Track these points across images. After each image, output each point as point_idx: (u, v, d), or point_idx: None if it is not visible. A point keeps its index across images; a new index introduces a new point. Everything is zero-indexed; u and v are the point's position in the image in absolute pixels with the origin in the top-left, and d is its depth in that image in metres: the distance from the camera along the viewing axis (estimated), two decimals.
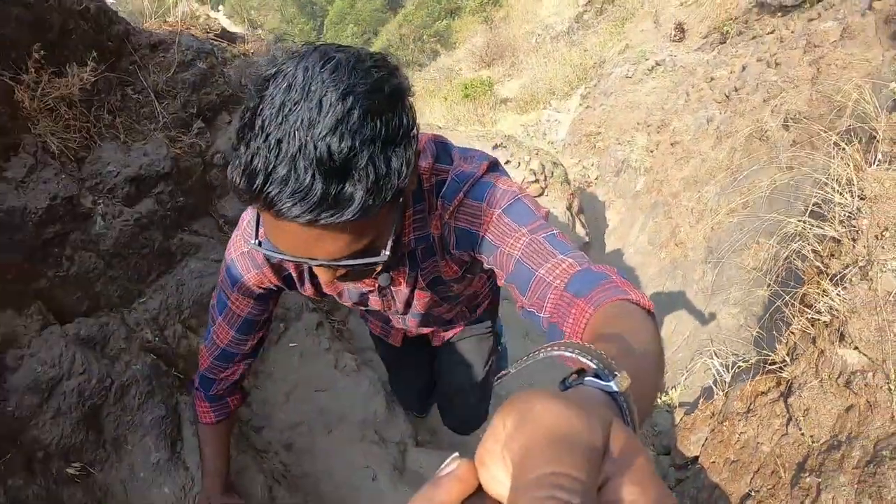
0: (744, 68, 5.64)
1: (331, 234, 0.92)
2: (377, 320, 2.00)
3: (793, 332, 1.70)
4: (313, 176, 0.84)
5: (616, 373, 0.55)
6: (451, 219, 1.24)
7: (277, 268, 1.38)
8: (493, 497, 0.42)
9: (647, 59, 7.86)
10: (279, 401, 2.35)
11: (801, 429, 1.54)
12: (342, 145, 0.85)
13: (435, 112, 12.89)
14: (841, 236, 1.66)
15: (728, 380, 1.97)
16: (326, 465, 2.23)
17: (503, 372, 0.75)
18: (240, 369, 1.65)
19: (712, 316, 2.70)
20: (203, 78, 2.52)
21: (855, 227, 1.61)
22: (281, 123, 0.85)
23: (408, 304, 1.59)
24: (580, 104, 8.49)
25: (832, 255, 1.66)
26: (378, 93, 0.89)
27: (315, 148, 0.84)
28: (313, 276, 1.44)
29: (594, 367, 0.57)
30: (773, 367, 1.74)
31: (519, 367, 0.70)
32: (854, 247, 1.57)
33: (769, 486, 1.58)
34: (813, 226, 1.83)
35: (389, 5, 51.38)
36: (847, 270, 1.54)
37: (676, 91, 6.70)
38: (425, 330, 1.96)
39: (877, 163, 1.72)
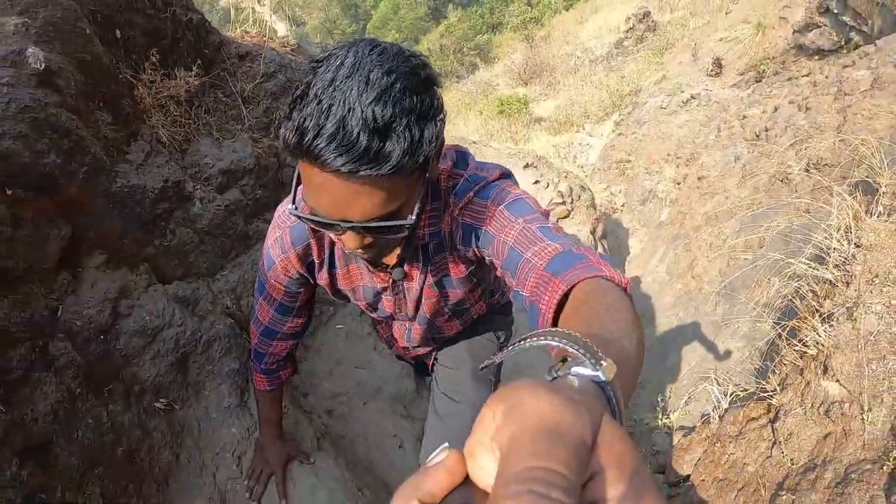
0: (776, 109, 5.73)
1: (367, 190, 1.03)
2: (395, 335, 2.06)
3: (784, 364, 1.87)
4: (359, 133, 0.97)
5: (602, 361, 0.57)
6: (460, 215, 1.36)
7: (302, 254, 1.52)
8: (480, 487, 0.43)
9: (682, 92, 7.98)
10: (324, 373, 2.74)
11: (783, 451, 1.70)
12: (385, 111, 0.98)
13: (469, 125, 13.05)
14: (836, 280, 1.82)
15: (725, 405, 2.13)
16: (361, 431, 2.54)
17: (489, 361, 0.83)
18: (286, 347, 1.83)
19: (720, 347, 2.85)
20: (282, 88, 2.96)
21: (849, 272, 1.78)
22: (333, 92, 0.98)
23: (416, 306, 1.68)
24: (613, 130, 8.63)
25: (826, 297, 1.82)
26: (415, 76, 1.04)
27: (362, 111, 0.97)
28: (332, 266, 1.57)
29: (581, 355, 0.59)
30: (766, 394, 1.90)
31: (505, 355, 0.73)
32: (846, 290, 1.73)
33: (751, 503, 1.74)
34: (812, 268, 2.00)
35: (433, 15, 51.75)
36: (836, 310, 1.70)
37: (708, 126, 6.82)
38: (422, 350, 2.04)
39: (877, 214, 1.88)
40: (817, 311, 1.82)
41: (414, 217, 1.13)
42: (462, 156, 1.46)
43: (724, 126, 6.42)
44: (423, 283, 1.57)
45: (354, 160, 0.98)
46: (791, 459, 1.66)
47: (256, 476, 2.05)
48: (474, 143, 7.11)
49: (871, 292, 1.63)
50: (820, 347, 1.68)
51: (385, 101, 1.00)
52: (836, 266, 1.87)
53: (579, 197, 5.92)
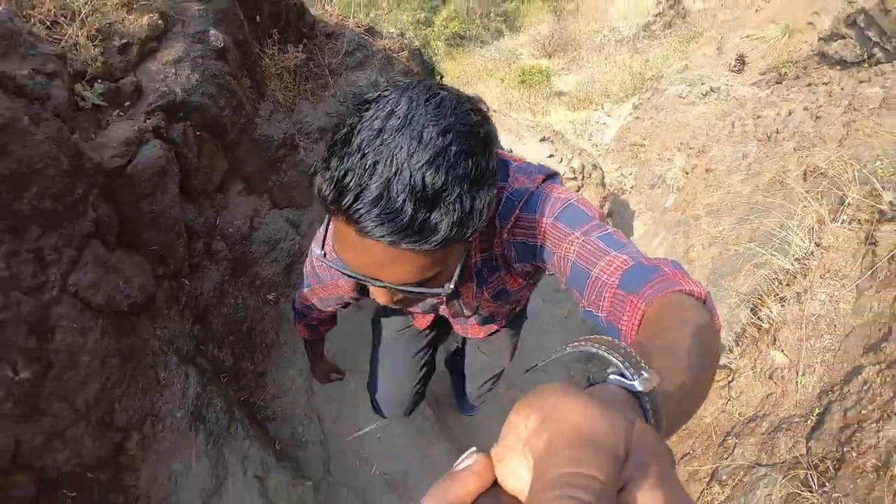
0: (790, 113, 6.01)
1: (405, 259, 0.96)
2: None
3: (746, 337, 2.29)
4: (405, 200, 0.88)
5: (642, 371, 0.56)
6: (509, 235, 1.28)
7: (333, 288, 1.61)
8: (509, 493, 0.43)
9: (703, 84, 8.25)
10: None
11: (734, 407, 2.12)
12: (437, 178, 0.90)
13: (490, 92, 13.21)
14: (795, 271, 2.24)
15: None
16: None
17: (533, 364, 0.81)
18: (325, 315, 1.95)
19: None
20: (359, 63, 3.62)
21: (806, 265, 2.19)
22: (379, 146, 0.89)
23: (474, 311, 1.68)
24: (631, 113, 8.92)
25: (787, 284, 2.23)
26: (474, 136, 0.95)
27: (410, 175, 0.88)
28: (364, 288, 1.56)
29: (619, 364, 0.58)
30: (729, 361, 2.33)
31: (548, 360, 0.73)
32: (802, 280, 2.14)
33: (703, 447, 2.16)
34: (778, 259, 2.41)
35: None
36: (790, 295, 2.12)
37: (723, 120, 7.12)
38: (481, 331, 2.00)
39: (840, 221, 2.28)
40: (777, 294, 2.24)
41: (452, 286, 1.08)
42: (502, 164, 1.31)
43: (738, 123, 6.73)
44: (482, 297, 1.56)
45: (396, 232, 0.90)
46: (739, 413, 2.07)
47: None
48: (495, 111, 7.39)
49: (821, 284, 2.04)
50: (772, 323, 2.10)
51: (438, 166, 0.91)
52: (797, 260, 2.29)
53: (590, 175, 6.27)
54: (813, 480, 1.57)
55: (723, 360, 2.31)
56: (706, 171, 6.01)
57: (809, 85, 6.74)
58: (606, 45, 14.64)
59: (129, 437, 1.85)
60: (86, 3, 2.01)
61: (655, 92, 8.89)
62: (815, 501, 1.53)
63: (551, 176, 1.32)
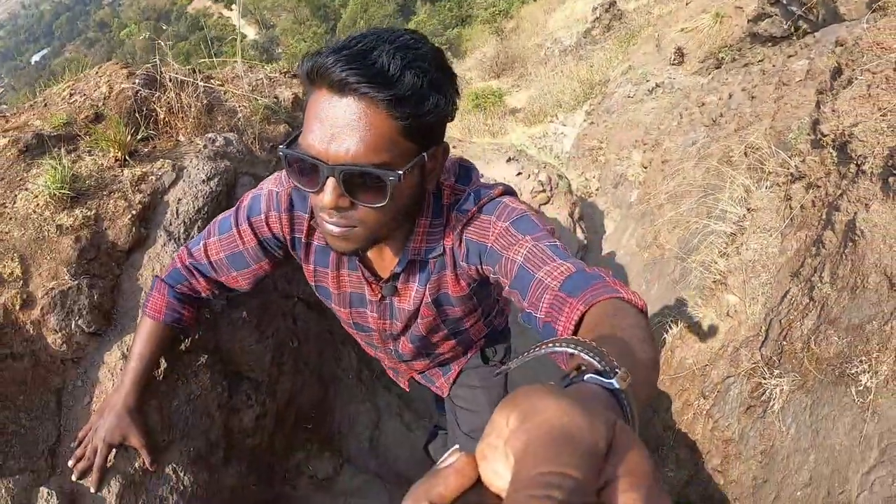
0: (730, 96, 6.48)
1: (364, 120, 1.06)
2: (381, 355, 1.99)
3: (705, 291, 2.82)
4: (378, 56, 1.04)
5: (617, 370, 0.61)
6: (463, 230, 1.37)
7: (292, 223, 1.51)
8: (492, 491, 0.45)
9: (647, 81, 8.79)
10: None
11: (707, 343, 2.62)
12: (408, 56, 1.07)
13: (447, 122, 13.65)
14: (735, 231, 2.78)
15: (675, 330, 3.04)
16: None
17: (503, 367, 0.87)
18: (210, 289, 1.69)
19: (675, 297, 3.76)
20: None
21: (742, 226, 2.72)
22: (359, 37, 1.10)
23: (407, 326, 1.67)
24: (585, 119, 9.43)
25: (730, 243, 2.77)
26: (443, 58, 1.17)
27: (388, 49, 1.06)
28: (324, 264, 1.56)
29: (596, 364, 0.63)
30: (697, 313, 2.83)
31: (520, 362, 0.75)
32: (740, 237, 2.67)
33: (690, 380, 2.64)
34: (721, 226, 2.96)
35: (402, 12, 52.49)
36: (731, 250, 2.66)
37: (672, 112, 7.60)
38: (418, 365, 1.98)
39: (764, 188, 2.81)
40: (722, 252, 2.78)
41: (400, 173, 1.12)
42: (466, 170, 1.47)
43: (685, 112, 7.20)
44: (421, 301, 1.56)
45: (363, 73, 1.03)
46: (711, 347, 2.57)
47: (83, 448, 1.63)
48: (459, 140, 7.86)
49: (754, 238, 2.57)
50: (721, 274, 2.63)
51: (412, 58, 1.08)
52: (735, 223, 2.83)
53: (557, 184, 6.72)
54: (766, 371, 2.10)
55: (692, 313, 2.81)
56: (662, 162, 6.50)
57: (746, 65, 7.17)
58: (552, 57, 15.28)
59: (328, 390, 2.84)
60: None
61: (605, 96, 9.42)
62: (771, 383, 2.06)
63: (511, 191, 1.44)
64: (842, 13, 6.49)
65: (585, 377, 0.62)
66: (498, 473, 0.44)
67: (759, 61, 7.02)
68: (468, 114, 13.67)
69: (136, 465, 1.70)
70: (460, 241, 1.40)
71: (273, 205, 1.50)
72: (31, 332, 1.71)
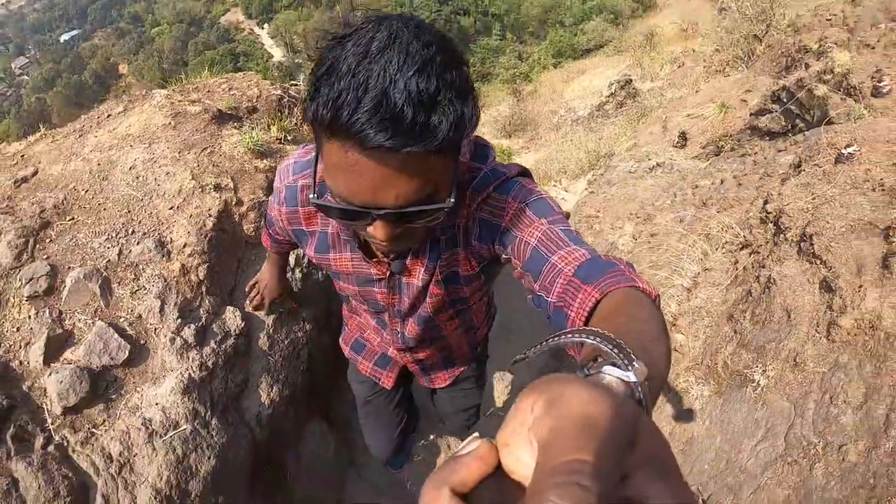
0: (722, 182, 6.97)
1: (407, 171, 1.03)
2: (367, 360, 2.30)
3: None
4: (404, 104, 0.95)
5: (635, 363, 0.63)
6: (477, 209, 1.38)
7: (290, 217, 1.63)
8: (513, 479, 0.46)
9: (650, 159, 9.26)
10: None
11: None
12: (430, 83, 0.97)
13: None
14: (690, 285, 3.36)
15: None
16: None
17: (520, 355, 0.84)
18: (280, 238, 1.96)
19: None
20: None
21: (696, 281, 3.31)
22: (368, 65, 0.96)
23: (414, 305, 1.71)
24: (586, 188, 9.91)
25: (686, 293, 3.36)
26: (452, 50, 1.06)
27: (405, 84, 0.95)
28: (325, 249, 1.64)
29: (615, 356, 0.65)
30: None
31: (537, 351, 0.78)
32: (695, 290, 3.26)
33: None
34: (681, 280, 3.57)
35: None
36: (682, 299, 3.26)
37: (668, 191, 8.05)
38: (421, 354, 2.04)
39: (720, 253, 3.41)
40: (677, 299, 3.37)
41: (452, 200, 1.13)
42: (482, 149, 1.47)
43: (679, 193, 7.68)
44: (430, 279, 1.58)
45: (400, 134, 0.96)
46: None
47: (252, 293, 2.77)
48: None
49: (704, 290, 3.15)
50: (674, 316, 3.21)
51: (428, 74, 0.98)
52: (692, 279, 3.43)
53: None
54: (693, 384, 2.74)
55: None
56: (651, 235, 6.99)
57: (743, 155, 7.59)
58: (563, 125, 15.93)
59: None
60: None
61: (608, 168, 9.88)
62: (694, 392, 2.68)
63: (526, 172, 1.47)
64: (830, 116, 7.05)
65: (603, 368, 0.64)
66: (521, 461, 0.46)
67: (754, 153, 7.55)
68: None
69: (283, 309, 3.03)
70: (473, 220, 1.42)
71: (275, 200, 1.67)
72: (236, 219, 3.08)
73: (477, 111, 1.12)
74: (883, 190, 2.77)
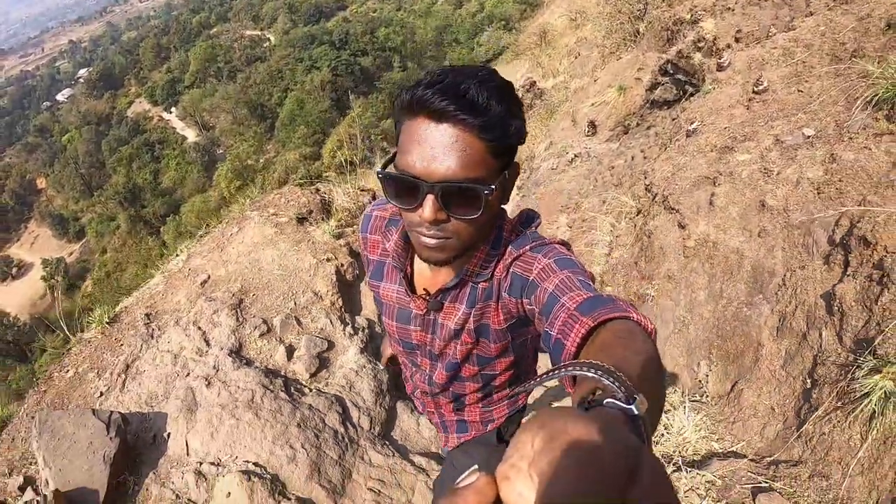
0: (633, 158, 7.79)
1: (460, 141, 1.27)
2: (419, 380, 2.09)
3: None
4: (467, 88, 1.25)
5: (636, 395, 0.66)
6: (513, 264, 1.53)
7: (363, 242, 1.90)
8: None
9: (567, 153, 10.16)
10: None
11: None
12: (492, 92, 1.28)
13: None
14: (604, 253, 4.43)
15: None
16: None
17: (522, 387, 0.95)
18: None
19: None
20: None
21: (610, 254, 4.38)
22: (448, 74, 1.29)
23: (445, 349, 1.79)
24: (517, 194, 10.82)
25: (605, 255, 4.41)
26: (505, 82, 1.36)
27: (475, 84, 1.27)
28: (379, 276, 1.85)
29: (615, 389, 0.69)
30: None
31: (539, 383, 0.84)
32: (608, 253, 4.33)
33: None
34: (600, 249, 4.61)
35: (337, 106, 56.10)
36: (603, 261, 4.31)
37: (589, 178, 8.78)
38: (443, 402, 2.06)
39: (623, 222, 4.49)
40: (599, 263, 4.42)
41: (494, 187, 1.32)
42: (529, 217, 1.65)
43: (598, 177, 8.45)
44: (464, 324, 1.69)
45: (458, 103, 1.23)
46: None
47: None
48: None
49: (616, 250, 4.21)
50: (600, 276, 4.25)
51: (493, 89, 1.29)
52: (607, 245, 4.49)
53: None
54: None
55: None
56: (582, 220, 7.95)
57: (649, 128, 8.67)
58: None
59: None
60: None
61: (532, 170, 10.95)
62: None
63: (566, 244, 1.57)
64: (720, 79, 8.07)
65: (605, 401, 0.68)
66: (522, 495, 0.48)
67: (656, 124, 8.37)
68: None
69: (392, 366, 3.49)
70: (507, 273, 1.55)
71: (366, 226, 1.92)
72: (343, 273, 5.67)
73: (524, 131, 1.38)
74: (714, 150, 3.87)
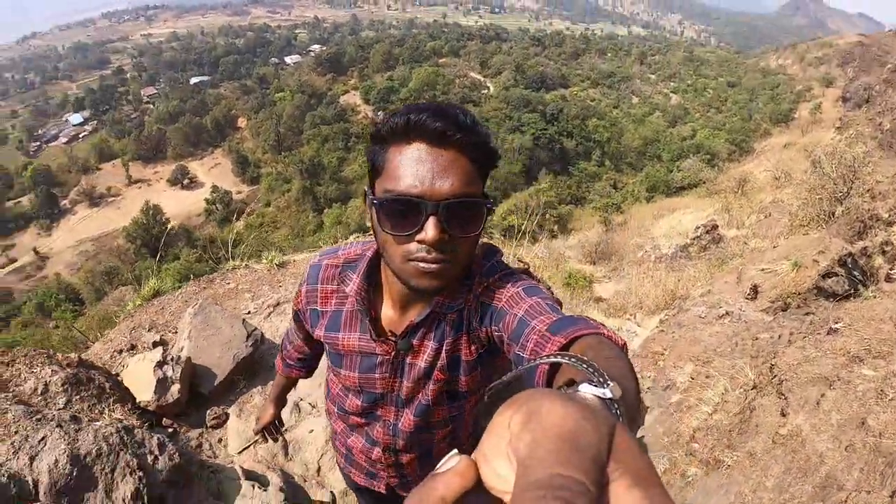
0: (779, 336, 7.92)
1: (457, 162, 1.35)
2: (361, 461, 2.06)
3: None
4: (457, 112, 1.36)
5: (609, 382, 0.68)
6: (482, 294, 1.58)
7: (308, 294, 1.86)
8: (493, 494, 0.49)
9: (720, 307, 10.11)
10: None
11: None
12: (471, 113, 1.40)
13: None
14: (713, 409, 4.77)
15: None
16: None
17: (495, 382, 0.94)
18: (297, 354, 2.29)
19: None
20: None
21: (711, 417, 4.73)
22: (427, 106, 1.37)
23: (414, 392, 1.77)
24: (657, 326, 10.92)
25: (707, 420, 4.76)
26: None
27: (457, 109, 1.38)
28: (335, 328, 1.80)
29: (588, 374, 0.70)
30: None
31: (511, 376, 0.86)
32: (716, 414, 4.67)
33: None
34: (706, 407, 4.94)
35: (525, 174, 58.04)
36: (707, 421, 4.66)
37: (731, 339, 8.69)
38: (405, 458, 1.96)
39: (735, 393, 4.82)
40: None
41: (491, 203, 1.43)
42: (492, 250, 1.71)
43: (740, 342, 8.42)
44: (435, 360, 1.70)
45: (451, 125, 1.32)
46: None
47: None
48: None
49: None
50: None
51: (473, 116, 1.41)
52: (712, 409, 4.81)
53: None
54: None
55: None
56: (706, 377, 8.09)
57: (806, 314, 8.51)
58: (647, 261, 16.82)
59: None
60: None
61: (680, 310, 10.97)
62: None
63: (529, 273, 1.68)
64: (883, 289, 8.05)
65: (580, 387, 0.70)
66: (500, 475, 0.49)
67: (815, 313, 8.27)
68: (556, 288, 14.59)
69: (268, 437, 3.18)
70: (477, 303, 1.59)
71: (298, 290, 1.93)
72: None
73: (498, 154, 1.47)
74: (845, 356, 4.15)
